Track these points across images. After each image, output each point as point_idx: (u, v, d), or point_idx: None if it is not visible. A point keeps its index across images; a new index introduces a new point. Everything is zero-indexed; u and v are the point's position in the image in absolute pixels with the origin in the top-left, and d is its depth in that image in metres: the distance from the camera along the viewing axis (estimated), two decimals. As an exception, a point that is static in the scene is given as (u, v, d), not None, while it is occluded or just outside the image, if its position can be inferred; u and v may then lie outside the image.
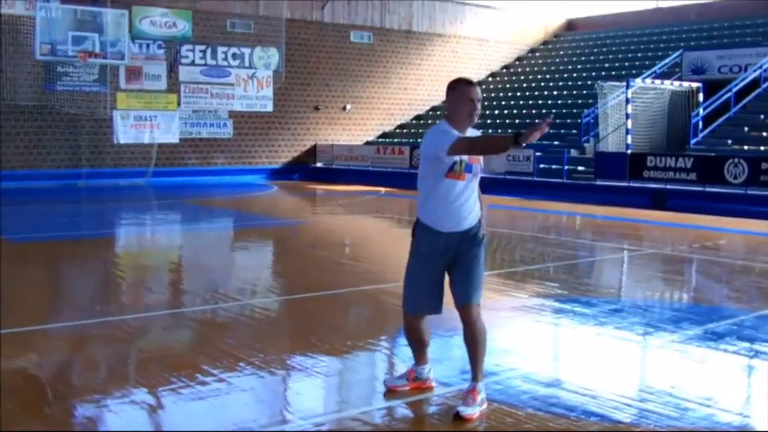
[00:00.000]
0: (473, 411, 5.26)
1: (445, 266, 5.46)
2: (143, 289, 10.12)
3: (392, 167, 28.60)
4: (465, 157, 5.30)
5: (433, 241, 5.44)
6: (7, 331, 7.33)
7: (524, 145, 4.89)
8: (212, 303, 9.05)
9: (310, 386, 6.08)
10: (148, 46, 26.59)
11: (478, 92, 5.34)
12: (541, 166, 25.32)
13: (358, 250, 14.52)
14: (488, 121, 31.62)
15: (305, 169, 31.35)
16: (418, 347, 5.76)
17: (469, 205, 5.39)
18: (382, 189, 25.10)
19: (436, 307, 5.55)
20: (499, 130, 30.16)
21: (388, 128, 33.77)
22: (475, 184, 5.44)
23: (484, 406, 5.39)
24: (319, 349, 7.02)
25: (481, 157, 5.39)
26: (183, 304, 9.31)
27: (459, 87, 5.35)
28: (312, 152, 31.97)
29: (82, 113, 25.99)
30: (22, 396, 5.66)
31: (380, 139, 32.98)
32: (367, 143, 32.38)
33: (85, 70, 25.52)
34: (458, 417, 5.23)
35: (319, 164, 31.88)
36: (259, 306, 8.95)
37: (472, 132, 5.43)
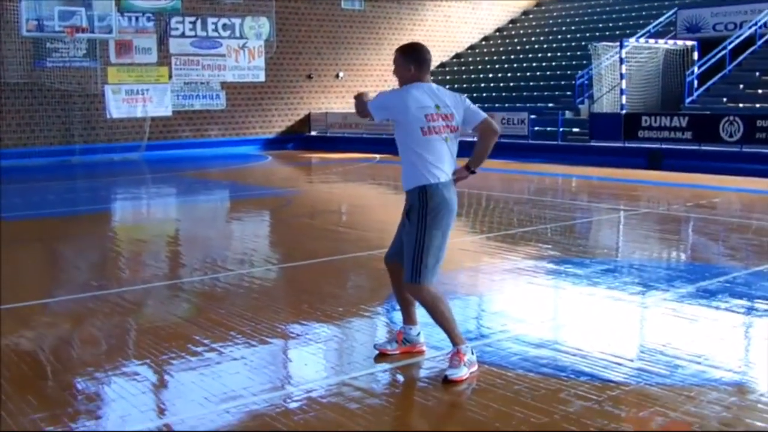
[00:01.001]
0: (461, 373, 5.27)
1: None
2: (139, 263, 10.10)
3: (387, 134, 28.37)
4: None
5: None
6: (3, 307, 7.34)
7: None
8: (206, 274, 9.04)
9: (302, 353, 6.10)
10: (137, 19, 26.38)
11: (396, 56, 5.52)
12: (536, 128, 25.26)
13: (353, 217, 14.53)
14: (482, 85, 31.53)
15: (299, 139, 31.27)
16: (402, 304, 5.80)
17: (402, 169, 5.51)
18: (377, 156, 25.05)
19: (391, 257, 5.71)
20: (494, 94, 30.11)
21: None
22: (401, 147, 5.47)
23: (474, 368, 5.39)
24: (311, 316, 7.03)
25: (387, 116, 5.44)
26: (178, 276, 9.29)
27: None
28: (306, 121, 31.87)
29: (73, 89, 25.87)
30: (17, 371, 5.67)
31: (374, 107, 32.80)
32: (362, 111, 32.21)
33: (74, 46, 25.36)
34: (447, 380, 5.24)
35: (313, 133, 31.79)
36: (252, 276, 8.95)
37: (432, 90, 5.45)
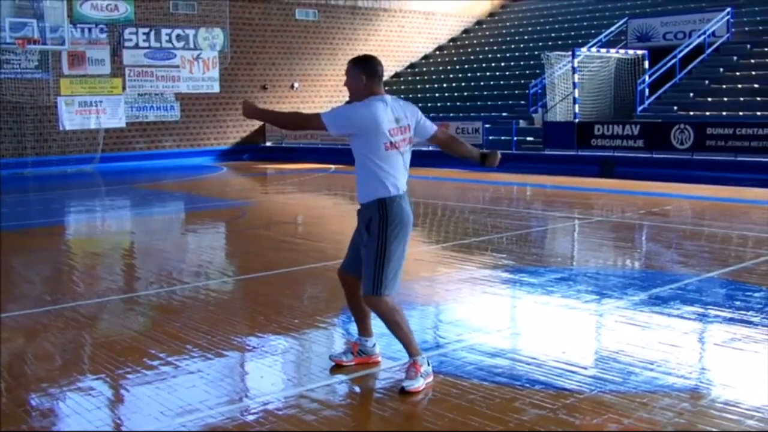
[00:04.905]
0: (417, 384, 5.30)
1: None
2: (93, 277, 10.02)
3: (342, 144, 28.23)
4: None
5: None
6: (-49, 323, 7.24)
7: None
8: (162, 287, 9.00)
9: (258, 366, 6.09)
10: (90, 30, 26.23)
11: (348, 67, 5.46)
12: (490, 137, 25.41)
13: (308, 228, 14.51)
14: (436, 95, 31.68)
15: (254, 149, 31.21)
16: (358, 316, 5.82)
17: (358, 181, 5.48)
18: (332, 166, 25.06)
19: (346, 268, 5.71)
20: (448, 103, 30.27)
21: (336, 105, 33.55)
22: (360, 159, 5.43)
23: (430, 378, 5.42)
24: (267, 328, 7.03)
25: (351, 131, 5.38)
26: (133, 289, 9.22)
27: None
28: (261, 132, 31.80)
29: (26, 101, 25.61)
30: (-34, 388, 5.60)
31: (330, 117, 32.82)
32: (317, 121, 32.22)
33: (26, 57, 25.12)
34: (404, 391, 5.26)
35: (268, 143, 31.76)
36: (207, 288, 8.92)
37: (392, 103, 5.41)
